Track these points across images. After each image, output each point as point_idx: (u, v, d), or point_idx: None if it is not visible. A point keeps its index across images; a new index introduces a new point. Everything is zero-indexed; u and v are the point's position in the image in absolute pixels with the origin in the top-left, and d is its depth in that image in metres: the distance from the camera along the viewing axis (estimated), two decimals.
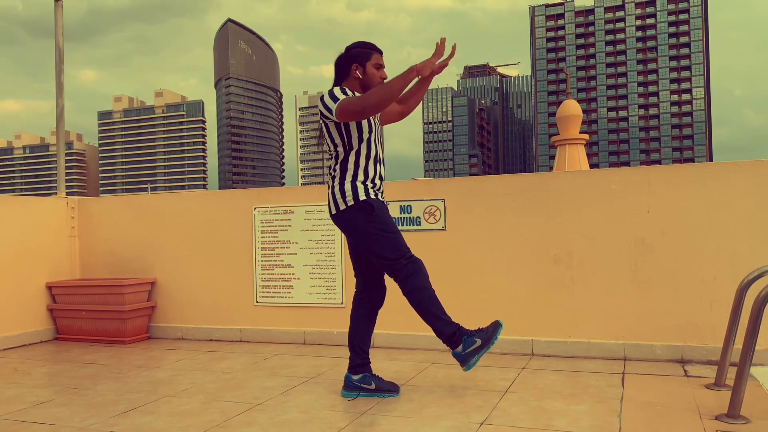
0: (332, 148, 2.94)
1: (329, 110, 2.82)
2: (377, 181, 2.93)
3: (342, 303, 4.32)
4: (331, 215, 2.97)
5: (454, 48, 2.82)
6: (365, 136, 2.89)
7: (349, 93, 2.86)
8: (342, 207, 2.88)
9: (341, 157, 2.90)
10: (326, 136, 2.94)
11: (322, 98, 2.87)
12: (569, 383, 3.14)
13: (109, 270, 5.04)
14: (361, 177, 2.88)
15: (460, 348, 2.81)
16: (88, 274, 5.13)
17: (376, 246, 2.85)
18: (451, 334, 2.82)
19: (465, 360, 2.81)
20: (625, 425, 2.45)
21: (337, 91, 2.85)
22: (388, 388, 2.97)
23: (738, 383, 2.42)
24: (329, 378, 3.38)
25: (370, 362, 3.04)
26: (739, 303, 2.83)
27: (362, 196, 2.84)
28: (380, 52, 2.97)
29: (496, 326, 2.82)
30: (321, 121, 2.95)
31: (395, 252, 2.84)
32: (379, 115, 3.04)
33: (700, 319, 3.53)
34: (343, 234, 3.10)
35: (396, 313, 4.08)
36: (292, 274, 4.47)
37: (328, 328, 4.35)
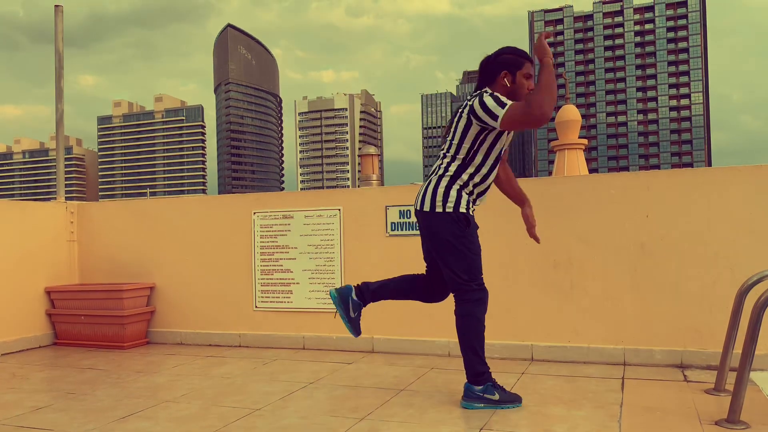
0: (455, 148, 2.77)
1: (494, 116, 2.62)
2: (478, 201, 2.85)
3: None
4: (419, 210, 2.83)
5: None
6: (494, 155, 2.79)
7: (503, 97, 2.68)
8: (438, 209, 2.75)
9: (460, 161, 2.77)
10: (458, 133, 2.75)
11: (481, 99, 2.66)
12: (569, 388, 3.13)
13: (108, 275, 5.04)
14: (469, 188, 2.79)
15: (479, 388, 2.77)
16: (87, 278, 5.12)
17: (454, 261, 2.77)
18: (480, 372, 2.78)
19: (471, 398, 2.78)
20: (624, 430, 2.45)
21: (501, 96, 2.67)
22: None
23: (738, 388, 2.41)
24: (328, 383, 3.37)
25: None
26: (738, 307, 2.83)
27: (462, 209, 2.75)
28: (532, 62, 2.80)
29: (517, 398, 2.80)
30: (465, 116, 2.74)
31: (470, 273, 2.77)
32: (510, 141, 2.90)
33: (699, 324, 3.53)
34: (423, 232, 2.91)
35: (396, 319, 4.08)
36: (292, 278, 4.47)
37: (328, 333, 4.34)
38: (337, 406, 2.91)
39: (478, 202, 2.87)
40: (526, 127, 2.60)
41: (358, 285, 2.97)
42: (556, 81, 2.60)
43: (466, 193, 2.79)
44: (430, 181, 2.83)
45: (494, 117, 2.62)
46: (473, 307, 2.78)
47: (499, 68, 2.77)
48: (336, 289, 2.95)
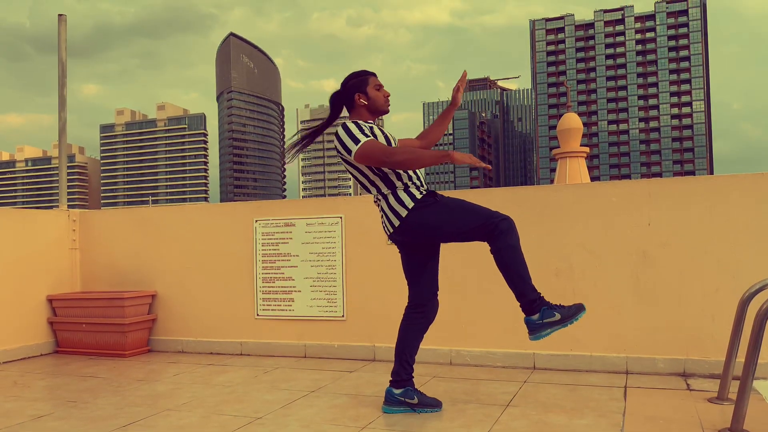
0: (367, 178, 2.89)
1: (348, 150, 2.80)
2: (425, 184, 2.93)
3: (343, 316, 4.31)
4: (394, 231, 2.86)
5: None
6: None
7: (364, 126, 2.83)
8: (404, 213, 2.80)
9: (381, 179, 2.85)
10: (354, 171, 2.90)
11: (337, 134, 2.84)
12: (571, 397, 3.12)
13: (109, 283, 5.04)
14: (409, 183, 2.85)
15: (536, 316, 2.71)
16: (89, 286, 5.13)
17: (461, 221, 2.75)
18: (532, 299, 2.72)
19: (537, 329, 2.72)
20: None
21: (353, 127, 2.81)
22: (430, 403, 2.92)
23: (741, 397, 2.40)
24: (330, 391, 3.36)
25: (413, 378, 2.97)
26: (741, 316, 2.82)
27: (419, 196, 2.82)
28: (374, 75, 3.00)
29: (579, 308, 2.71)
30: (342, 160, 2.92)
31: (484, 215, 2.74)
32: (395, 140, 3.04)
33: (702, 332, 3.52)
34: (402, 247, 2.99)
35: (397, 326, 4.07)
36: (293, 286, 4.47)
37: (329, 341, 4.33)
38: (338, 415, 2.90)
39: (425, 185, 2.93)
40: (376, 165, 2.77)
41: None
42: (439, 159, 2.70)
43: (415, 188, 2.85)
44: (381, 209, 2.91)
45: (348, 151, 2.80)
46: (506, 236, 2.71)
47: (351, 93, 2.95)
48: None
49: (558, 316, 2.70)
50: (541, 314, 2.71)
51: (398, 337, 3.00)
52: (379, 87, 2.98)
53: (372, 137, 2.81)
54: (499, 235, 2.72)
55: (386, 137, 2.93)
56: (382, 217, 2.92)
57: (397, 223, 2.84)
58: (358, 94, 2.94)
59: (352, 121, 2.89)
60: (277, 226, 4.53)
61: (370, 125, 2.91)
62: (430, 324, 3.03)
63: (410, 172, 2.88)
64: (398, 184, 2.84)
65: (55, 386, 3.71)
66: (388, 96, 2.99)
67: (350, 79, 2.99)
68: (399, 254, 3.05)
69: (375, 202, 2.96)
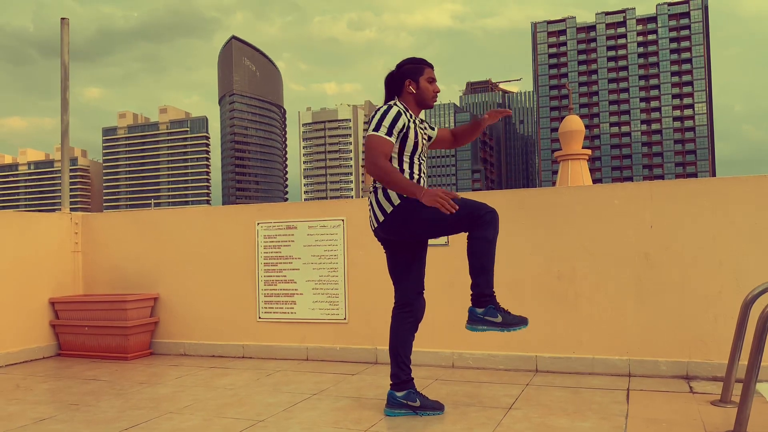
0: None
1: (367, 130, 2.84)
2: (424, 178, 2.94)
3: (345, 318, 4.31)
4: (378, 226, 2.88)
5: None
6: (406, 158, 2.88)
7: (398, 120, 2.82)
8: (389, 209, 2.81)
9: None
10: None
11: (375, 110, 2.87)
12: (573, 400, 3.12)
13: (112, 286, 5.04)
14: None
15: (480, 309, 2.74)
16: (91, 289, 5.13)
17: (449, 216, 2.71)
18: (485, 294, 2.73)
19: (475, 321, 2.74)
20: None
21: (387, 116, 2.80)
22: (433, 406, 2.91)
23: (744, 400, 2.40)
24: (332, 394, 3.36)
25: (413, 379, 2.97)
26: (744, 318, 2.81)
27: (405, 195, 2.79)
28: (431, 67, 2.99)
29: (522, 320, 2.74)
30: None
31: (470, 205, 2.73)
32: (427, 136, 3.06)
33: (704, 335, 3.51)
34: (386, 245, 2.99)
35: None
36: (295, 289, 4.47)
37: (331, 344, 4.33)
38: (340, 418, 2.89)
39: (423, 180, 2.94)
40: (365, 159, 2.80)
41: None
42: (413, 188, 2.69)
43: None
44: (370, 202, 2.94)
45: (366, 130, 2.85)
46: (486, 229, 2.72)
47: (403, 78, 2.95)
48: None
49: (499, 319, 2.73)
50: (485, 310, 2.74)
51: (390, 339, 2.99)
52: (432, 80, 2.96)
53: (386, 137, 2.77)
54: (481, 225, 2.73)
55: (416, 135, 2.88)
56: (369, 210, 2.94)
57: (381, 218, 2.86)
58: (409, 80, 2.93)
59: (397, 108, 2.84)
60: (279, 228, 4.54)
61: (409, 120, 2.85)
62: (419, 322, 3.02)
63: (407, 168, 2.87)
64: None
65: (58, 389, 3.71)
66: (438, 92, 2.97)
67: (406, 63, 2.97)
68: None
69: (371, 191, 2.96)
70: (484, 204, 2.77)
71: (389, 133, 2.79)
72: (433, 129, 3.14)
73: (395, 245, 2.97)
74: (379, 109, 2.86)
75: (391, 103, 2.89)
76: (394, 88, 2.97)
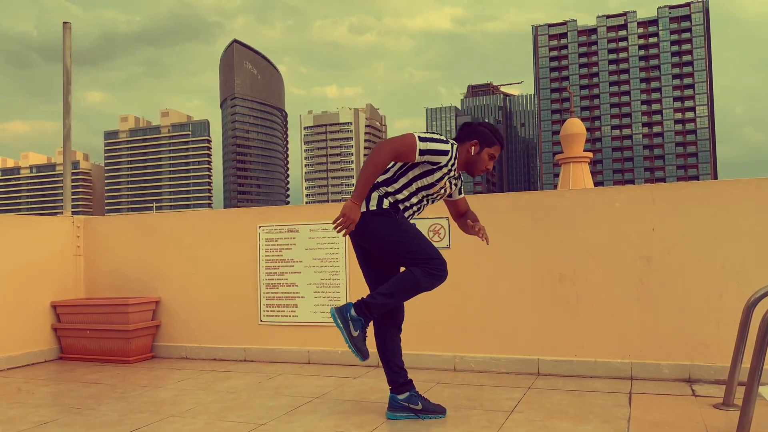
0: (392, 168, 2.88)
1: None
2: (408, 212, 2.90)
3: None
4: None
5: None
6: (414, 186, 2.84)
7: (454, 152, 2.82)
8: (363, 209, 2.80)
9: (386, 176, 2.86)
10: None
11: (437, 134, 2.88)
12: (575, 403, 3.11)
13: (113, 289, 5.05)
14: (390, 199, 2.83)
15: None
16: (93, 293, 5.14)
17: (402, 248, 2.75)
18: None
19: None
20: None
21: (436, 142, 2.78)
22: (435, 409, 2.91)
23: (746, 403, 2.39)
24: (333, 398, 3.36)
25: (412, 380, 2.97)
26: (746, 321, 2.81)
27: (385, 206, 2.81)
28: (503, 147, 2.97)
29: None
30: None
31: (425, 253, 2.74)
32: (449, 193, 3.01)
33: (707, 338, 3.50)
34: (355, 247, 3.02)
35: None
36: (297, 292, 4.47)
37: (333, 347, 4.33)
38: (342, 421, 2.89)
39: (408, 213, 2.91)
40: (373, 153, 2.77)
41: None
42: (358, 191, 2.73)
43: (392, 199, 2.83)
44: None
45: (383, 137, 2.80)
46: (427, 280, 2.73)
47: (473, 136, 2.92)
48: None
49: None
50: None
51: (377, 345, 3.00)
52: (492, 157, 2.94)
53: (417, 149, 2.74)
54: (418, 269, 2.72)
55: (440, 180, 2.86)
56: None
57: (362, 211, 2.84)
58: (476, 141, 2.90)
59: (451, 149, 2.82)
60: (281, 232, 4.54)
61: (447, 165, 2.83)
62: (401, 323, 3.02)
63: (407, 194, 2.84)
64: (381, 189, 2.84)
65: (59, 392, 3.71)
66: (488, 170, 2.96)
67: (485, 127, 2.95)
68: None
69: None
70: (435, 253, 2.76)
71: (422, 152, 2.76)
72: (460, 193, 3.07)
73: (365, 250, 2.96)
74: (441, 136, 2.84)
75: (453, 142, 2.88)
76: (462, 136, 2.95)
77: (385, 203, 2.82)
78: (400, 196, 2.84)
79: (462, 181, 3.04)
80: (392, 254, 2.83)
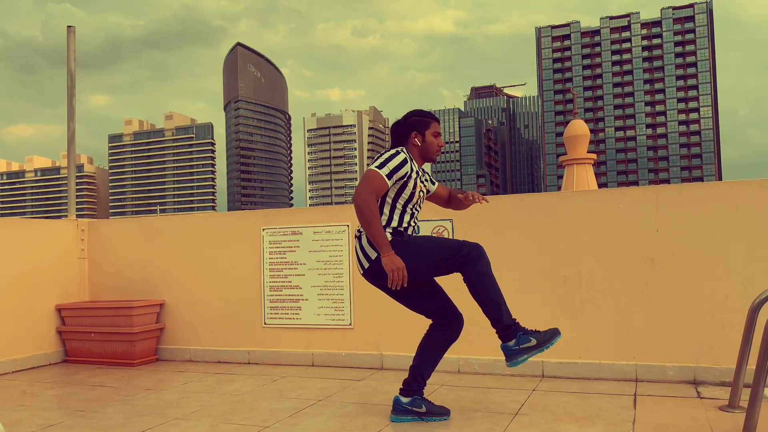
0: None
1: (369, 165, 2.83)
2: (409, 230, 2.90)
3: (350, 324, 4.31)
4: (365, 272, 2.88)
5: None
6: (399, 208, 2.86)
7: (403, 166, 2.81)
8: (374, 256, 2.79)
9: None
10: None
11: (382, 153, 2.88)
12: (580, 405, 3.10)
13: (118, 292, 5.06)
14: (392, 228, 2.84)
15: (512, 342, 2.70)
16: (97, 296, 5.15)
17: (431, 259, 2.75)
18: (508, 325, 2.71)
19: (513, 356, 2.70)
20: None
21: (393, 159, 2.80)
22: (439, 412, 2.90)
23: (752, 405, 2.38)
24: (337, 400, 3.36)
25: (423, 391, 2.96)
26: (751, 323, 2.80)
27: (390, 239, 2.79)
28: (437, 121, 3.00)
29: (554, 333, 2.71)
30: None
31: (453, 246, 2.75)
32: (426, 189, 3.04)
33: (712, 340, 3.49)
34: (393, 295, 2.97)
35: (406, 335, 4.06)
36: (300, 295, 4.47)
37: (337, 349, 4.33)
38: (346, 424, 2.89)
39: (409, 231, 2.90)
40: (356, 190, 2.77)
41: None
42: (381, 242, 2.71)
43: (389, 232, 2.82)
44: (355, 246, 2.91)
45: (369, 164, 2.78)
46: (476, 265, 2.72)
47: (409, 130, 2.96)
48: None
49: (534, 342, 2.70)
50: (517, 340, 2.71)
51: (418, 350, 2.97)
52: (437, 134, 2.98)
53: (384, 177, 2.76)
54: (470, 264, 2.73)
55: (415, 185, 2.87)
56: (355, 252, 2.91)
57: (366, 265, 2.84)
58: (415, 132, 2.95)
59: (404, 156, 2.85)
60: (285, 234, 4.54)
61: (412, 170, 2.85)
62: (454, 341, 2.99)
63: (398, 216, 2.85)
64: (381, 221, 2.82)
65: (64, 395, 3.72)
66: (442, 146, 3.00)
67: (414, 115, 3.00)
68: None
69: (356, 236, 2.93)
70: (464, 242, 2.77)
71: (389, 175, 2.78)
72: (433, 184, 3.12)
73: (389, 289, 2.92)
74: (387, 151, 2.88)
75: (400, 149, 2.90)
76: (400, 137, 2.98)
77: (388, 237, 2.81)
78: (394, 224, 2.85)
79: (428, 173, 3.10)
80: (434, 269, 2.82)
